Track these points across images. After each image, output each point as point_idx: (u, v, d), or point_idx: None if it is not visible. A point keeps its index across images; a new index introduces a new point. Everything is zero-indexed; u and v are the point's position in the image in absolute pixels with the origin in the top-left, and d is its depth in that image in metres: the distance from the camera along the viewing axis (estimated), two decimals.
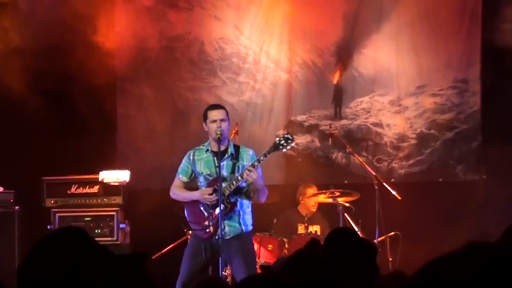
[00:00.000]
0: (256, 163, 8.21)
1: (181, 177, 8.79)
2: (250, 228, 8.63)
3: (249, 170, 8.16)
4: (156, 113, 11.80)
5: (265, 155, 8.25)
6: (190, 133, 11.42)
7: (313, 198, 10.75)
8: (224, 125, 8.49)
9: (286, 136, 8.39)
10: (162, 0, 11.93)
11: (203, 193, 8.50)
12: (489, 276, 1.90)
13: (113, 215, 10.61)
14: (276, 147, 8.32)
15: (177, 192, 8.80)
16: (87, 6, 11.18)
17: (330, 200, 10.41)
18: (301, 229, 10.68)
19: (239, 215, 8.52)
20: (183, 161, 8.79)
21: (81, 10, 11.16)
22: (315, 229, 10.64)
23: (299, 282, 4.27)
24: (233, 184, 8.34)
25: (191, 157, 8.72)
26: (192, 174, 8.71)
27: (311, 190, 10.71)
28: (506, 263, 1.92)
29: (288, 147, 8.42)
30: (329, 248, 5.39)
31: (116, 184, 10.65)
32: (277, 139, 8.39)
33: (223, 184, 8.34)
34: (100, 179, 10.63)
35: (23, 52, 10.95)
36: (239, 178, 8.28)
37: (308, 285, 4.35)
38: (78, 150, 10.94)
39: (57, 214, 10.58)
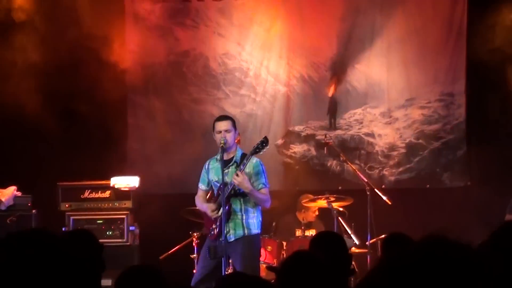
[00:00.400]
0: (241, 167, 8.31)
1: (200, 185, 8.95)
2: (255, 231, 8.63)
3: (236, 175, 8.26)
4: (164, 123, 11.85)
5: (247, 159, 8.39)
6: (195, 142, 11.46)
7: (312, 209, 10.81)
8: (229, 135, 8.57)
9: (262, 140, 8.45)
10: (169, 18, 11.92)
11: (208, 208, 8.70)
12: (438, 267, 1.95)
13: (123, 218, 10.60)
14: (254, 151, 8.39)
15: (197, 203, 9.00)
16: (100, 26, 11.15)
17: (325, 205, 10.45)
18: (298, 232, 10.70)
19: (243, 219, 8.55)
20: (202, 171, 8.94)
21: (94, 29, 11.14)
22: (311, 233, 10.64)
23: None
24: (229, 188, 8.42)
25: (206, 167, 8.89)
26: (209, 182, 8.84)
27: (311, 202, 10.76)
28: (456, 259, 1.98)
29: (264, 150, 8.41)
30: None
31: (126, 189, 10.64)
32: (255, 145, 8.45)
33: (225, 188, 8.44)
34: (111, 185, 10.62)
35: (41, 69, 10.97)
36: (232, 182, 8.38)
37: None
38: (91, 158, 10.90)
39: (71, 217, 10.59)
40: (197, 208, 9.12)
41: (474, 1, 11.40)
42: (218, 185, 8.61)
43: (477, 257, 1.99)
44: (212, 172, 8.79)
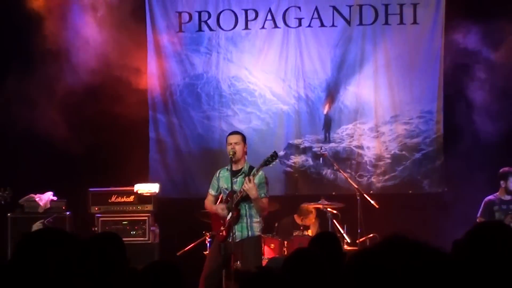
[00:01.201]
0: (251, 176, 8.40)
1: (210, 191, 9.03)
2: (257, 233, 8.73)
3: (248, 180, 8.37)
4: (181, 137, 11.81)
5: (257, 170, 8.49)
6: (208, 153, 11.56)
7: (312, 215, 10.88)
8: (238, 147, 8.69)
9: (272, 154, 8.55)
10: (186, 46, 11.89)
11: (218, 207, 8.79)
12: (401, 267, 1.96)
13: (145, 219, 10.64)
14: (265, 163, 8.51)
15: (207, 205, 9.07)
16: (125, 54, 11.23)
17: (321, 207, 10.53)
18: (297, 232, 10.74)
19: (247, 222, 8.65)
20: (212, 178, 9.01)
21: (121, 57, 11.22)
22: (308, 232, 10.71)
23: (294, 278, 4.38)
24: (240, 193, 8.52)
25: (217, 175, 8.96)
26: (218, 189, 8.91)
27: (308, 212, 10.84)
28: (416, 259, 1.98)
29: (274, 163, 8.56)
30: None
31: (148, 194, 10.72)
32: (266, 157, 8.55)
33: (233, 195, 8.56)
34: (135, 191, 10.70)
35: (74, 91, 11.06)
36: (242, 189, 8.48)
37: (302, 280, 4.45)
38: (118, 167, 10.90)
39: (100, 219, 10.62)
40: (208, 210, 9.20)
41: (448, 31, 11.43)
42: (228, 192, 8.72)
43: (429, 255, 1.99)
44: (222, 180, 8.86)
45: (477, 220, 9.90)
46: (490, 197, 10.16)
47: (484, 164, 10.80)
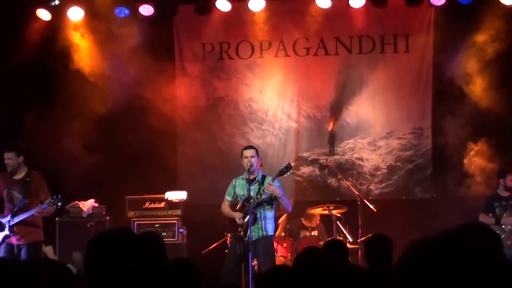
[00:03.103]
0: (271, 182, 8.50)
1: (226, 197, 9.07)
2: (271, 233, 8.79)
3: (269, 185, 8.48)
4: (205, 151, 11.91)
5: (273, 179, 8.58)
6: (228, 165, 11.53)
7: (316, 217, 10.92)
8: (254, 160, 8.74)
9: (286, 165, 8.72)
10: (209, 72, 12.01)
11: (235, 215, 8.81)
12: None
13: (174, 222, 10.71)
14: (280, 173, 8.64)
15: (224, 210, 9.10)
16: (156, 81, 11.41)
17: (326, 212, 10.58)
18: (306, 233, 10.79)
19: (261, 223, 8.69)
20: (229, 186, 9.07)
21: (152, 84, 11.43)
22: (314, 233, 10.76)
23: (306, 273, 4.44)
24: (257, 199, 8.60)
25: (234, 183, 9.02)
26: (234, 195, 8.98)
27: (312, 212, 10.87)
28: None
29: (288, 173, 8.71)
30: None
31: (177, 201, 10.79)
32: (281, 168, 8.72)
33: (250, 201, 8.64)
34: (165, 198, 10.79)
35: (113, 113, 11.27)
36: (262, 192, 8.55)
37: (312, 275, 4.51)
38: (151, 178, 10.92)
39: (136, 222, 10.73)
40: (224, 214, 9.21)
41: (437, 56, 11.47)
42: (244, 198, 8.79)
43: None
44: (238, 188, 8.92)
45: (479, 216, 9.87)
46: (491, 194, 10.06)
47: (468, 172, 10.86)
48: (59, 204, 9.20)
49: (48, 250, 9.48)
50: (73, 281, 3.68)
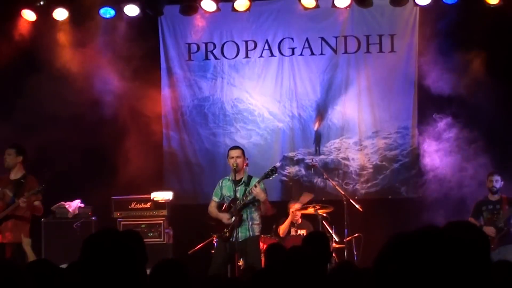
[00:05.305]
0: (256, 184, 8.48)
1: (214, 198, 9.08)
2: (257, 234, 8.83)
3: (254, 186, 8.48)
4: (191, 151, 11.88)
5: (258, 181, 8.56)
6: (215, 164, 11.61)
7: (297, 213, 10.84)
8: (239, 160, 8.74)
9: (272, 168, 8.70)
10: (194, 73, 11.98)
11: (223, 217, 8.80)
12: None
13: (160, 223, 10.68)
14: (265, 176, 8.62)
15: (212, 211, 9.06)
16: (141, 81, 11.37)
17: (313, 211, 10.56)
18: (292, 232, 10.78)
19: (248, 224, 8.71)
20: (216, 187, 9.08)
21: (138, 84, 11.37)
22: (302, 232, 10.74)
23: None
24: (243, 200, 8.58)
25: (220, 184, 9.02)
26: (221, 196, 8.97)
27: (296, 206, 10.79)
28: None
29: (273, 176, 8.71)
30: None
31: (163, 201, 10.77)
32: (266, 171, 8.69)
33: (236, 202, 8.64)
34: (151, 198, 10.76)
35: (98, 113, 11.27)
36: (247, 194, 8.56)
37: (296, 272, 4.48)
38: (136, 178, 10.90)
39: (122, 223, 10.66)
40: (212, 216, 9.16)
41: (422, 56, 11.46)
42: (230, 199, 8.80)
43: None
44: (225, 188, 8.92)
45: (469, 220, 9.75)
46: (480, 198, 10.01)
47: (454, 172, 10.86)
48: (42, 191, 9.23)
49: (27, 244, 9.39)
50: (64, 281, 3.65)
